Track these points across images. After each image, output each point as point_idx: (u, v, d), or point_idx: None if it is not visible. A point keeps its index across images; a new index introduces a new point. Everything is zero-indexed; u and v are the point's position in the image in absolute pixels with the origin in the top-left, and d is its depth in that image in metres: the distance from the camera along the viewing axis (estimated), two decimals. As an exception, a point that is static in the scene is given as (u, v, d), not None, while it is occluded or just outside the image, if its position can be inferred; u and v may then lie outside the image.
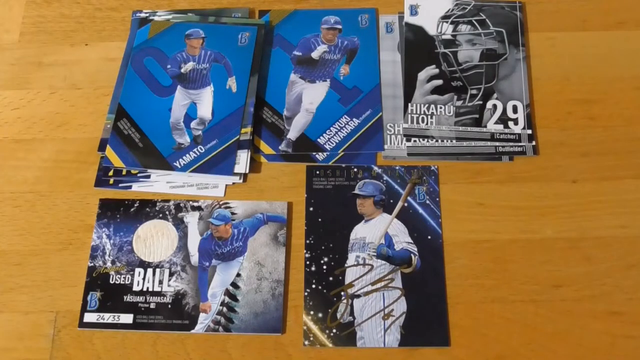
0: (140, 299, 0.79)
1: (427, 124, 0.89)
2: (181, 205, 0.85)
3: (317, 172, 0.87)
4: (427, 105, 0.91)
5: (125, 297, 0.79)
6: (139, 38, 0.96)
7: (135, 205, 0.85)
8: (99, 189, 0.86)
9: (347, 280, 0.80)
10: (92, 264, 0.81)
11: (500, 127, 0.89)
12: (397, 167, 0.87)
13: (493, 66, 0.93)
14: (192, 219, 0.84)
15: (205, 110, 0.90)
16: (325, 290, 0.79)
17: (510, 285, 0.80)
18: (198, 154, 0.87)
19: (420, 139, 0.89)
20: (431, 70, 0.93)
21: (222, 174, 0.86)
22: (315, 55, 0.95)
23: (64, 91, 0.94)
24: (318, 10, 0.99)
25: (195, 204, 0.85)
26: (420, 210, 0.84)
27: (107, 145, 0.87)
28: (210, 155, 0.87)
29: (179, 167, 0.86)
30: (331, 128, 0.89)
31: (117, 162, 0.86)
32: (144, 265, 0.81)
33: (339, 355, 0.77)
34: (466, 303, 0.79)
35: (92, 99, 0.93)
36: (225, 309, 0.79)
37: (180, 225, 0.84)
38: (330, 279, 0.80)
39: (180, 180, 0.87)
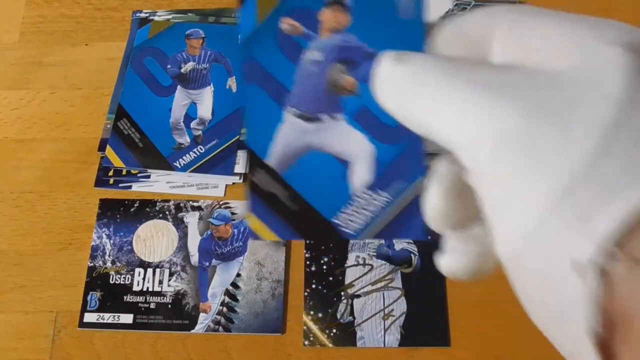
0: (140, 299, 0.79)
1: (427, 124, 0.89)
2: (181, 205, 0.85)
3: (317, 172, 0.87)
4: (427, 105, 0.90)
5: (125, 297, 0.79)
6: (139, 38, 0.96)
7: (135, 205, 0.85)
8: (99, 189, 0.86)
9: (347, 280, 0.80)
10: (92, 264, 0.81)
11: (500, 127, 0.89)
12: (397, 167, 0.87)
13: (493, 66, 0.93)
14: (192, 219, 0.84)
15: (205, 110, 0.90)
16: (325, 290, 0.79)
17: (510, 285, 0.79)
18: (198, 154, 0.87)
19: (420, 139, 0.88)
20: (431, 70, 0.93)
21: (222, 174, 0.86)
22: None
23: (64, 91, 0.94)
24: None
25: (195, 204, 0.85)
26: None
27: (107, 145, 0.87)
28: (210, 155, 0.87)
29: (179, 167, 0.86)
30: (331, 128, 0.89)
31: (117, 162, 0.86)
32: (144, 265, 0.81)
33: (339, 355, 0.77)
34: (466, 303, 0.79)
35: (92, 99, 0.93)
36: (225, 309, 0.79)
37: (180, 225, 0.84)
38: (330, 279, 0.80)
39: (180, 180, 0.87)
